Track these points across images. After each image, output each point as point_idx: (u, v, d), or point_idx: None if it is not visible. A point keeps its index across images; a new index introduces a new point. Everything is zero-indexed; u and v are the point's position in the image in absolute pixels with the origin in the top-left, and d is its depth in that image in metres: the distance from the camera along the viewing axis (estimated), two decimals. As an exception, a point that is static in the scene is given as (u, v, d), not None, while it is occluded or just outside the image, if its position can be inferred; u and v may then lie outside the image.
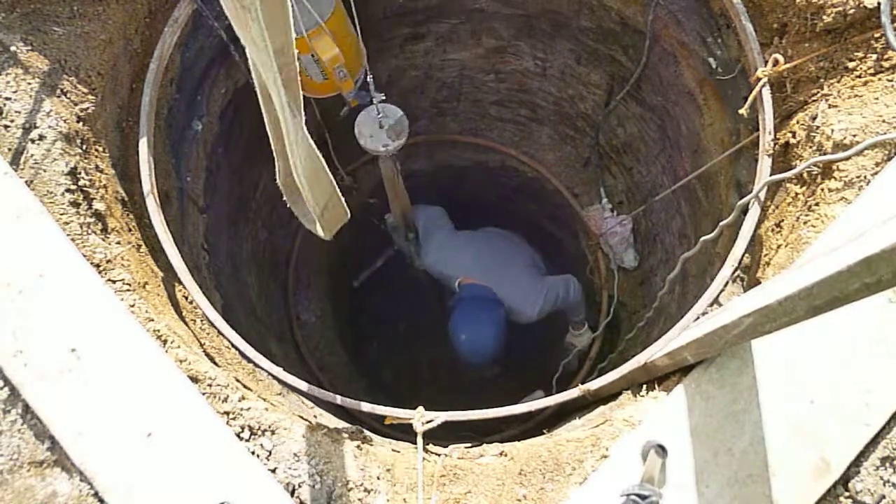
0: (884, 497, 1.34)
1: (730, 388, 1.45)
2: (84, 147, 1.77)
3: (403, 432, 1.84)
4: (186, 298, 1.96)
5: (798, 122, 1.82)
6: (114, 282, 1.60)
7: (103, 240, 1.68)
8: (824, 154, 1.63)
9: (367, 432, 1.83)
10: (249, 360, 1.87)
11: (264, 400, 1.64)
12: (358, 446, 1.54)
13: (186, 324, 1.86)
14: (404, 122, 2.41)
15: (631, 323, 3.18)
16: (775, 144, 1.86)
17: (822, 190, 1.61)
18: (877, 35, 1.64)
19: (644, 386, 1.64)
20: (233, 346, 1.88)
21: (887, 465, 1.36)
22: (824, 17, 1.74)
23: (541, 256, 3.56)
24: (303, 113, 1.16)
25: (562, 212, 3.87)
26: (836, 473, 1.36)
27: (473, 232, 3.37)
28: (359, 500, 1.41)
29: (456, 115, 3.85)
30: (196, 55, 2.35)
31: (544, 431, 1.80)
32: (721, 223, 1.96)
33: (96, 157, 1.83)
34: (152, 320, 1.57)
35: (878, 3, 1.61)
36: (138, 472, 1.35)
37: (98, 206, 1.72)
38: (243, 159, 2.93)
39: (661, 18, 2.44)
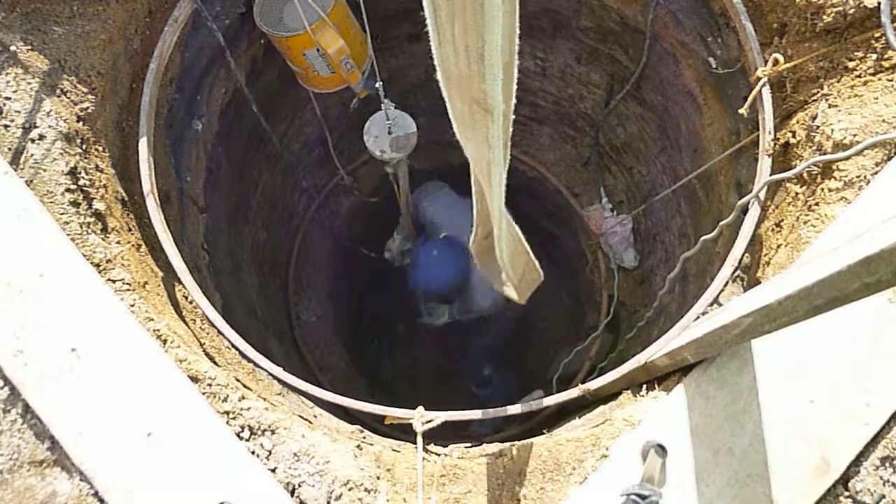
0: (884, 497, 1.34)
1: (730, 388, 1.45)
2: (84, 147, 1.77)
3: (403, 432, 1.84)
4: (186, 298, 1.96)
5: (798, 122, 1.82)
6: (114, 281, 1.60)
7: (103, 239, 1.68)
8: (824, 154, 1.62)
9: (367, 432, 1.83)
10: (249, 360, 1.87)
11: (264, 400, 1.64)
12: (358, 446, 1.54)
13: (186, 324, 1.86)
14: (412, 139, 2.40)
15: (631, 323, 3.17)
16: (775, 144, 1.86)
17: (822, 190, 1.61)
18: (877, 35, 1.64)
19: (644, 386, 1.64)
20: (233, 346, 1.88)
21: (887, 464, 1.36)
22: (824, 16, 1.74)
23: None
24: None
25: (562, 211, 3.87)
26: (836, 473, 1.36)
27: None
28: (359, 499, 1.41)
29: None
30: (196, 55, 2.35)
31: (544, 431, 1.80)
32: (721, 223, 1.96)
33: (96, 156, 1.83)
34: (152, 320, 1.57)
35: (878, 3, 1.61)
36: (138, 472, 1.35)
37: (98, 205, 1.72)
38: (243, 159, 2.94)
39: (661, 18, 2.44)
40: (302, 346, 3.56)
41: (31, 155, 1.64)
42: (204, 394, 1.47)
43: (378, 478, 1.46)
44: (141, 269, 1.78)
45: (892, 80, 1.60)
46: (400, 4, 2.98)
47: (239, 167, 2.90)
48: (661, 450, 1.38)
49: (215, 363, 1.76)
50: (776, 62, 1.82)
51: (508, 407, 1.83)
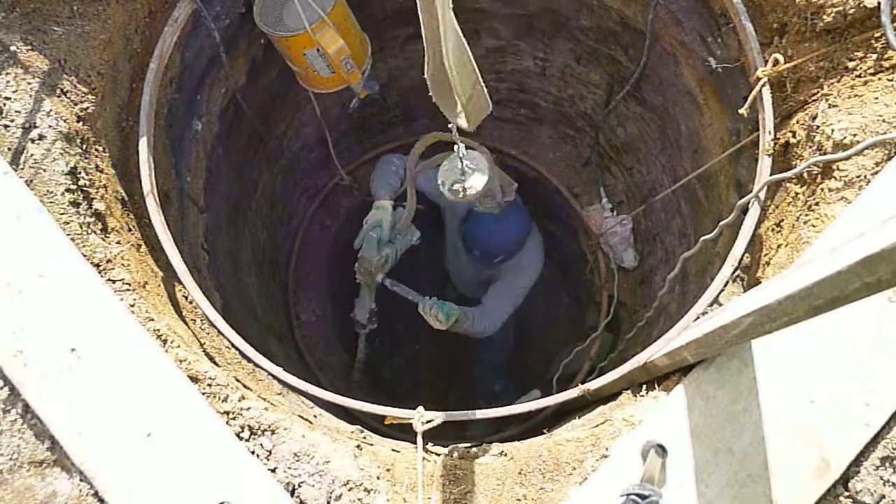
0: (884, 497, 1.34)
1: (730, 388, 1.45)
2: (84, 147, 1.77)
3: (403, 432, 1.84)
4: (186, 298, 1.96)
5: (798, 122, 1.82)
6: (114, 281, 1.60)
7: (103, 240, 1.68)
8: (824, 154, 1.62)
9: (367, 432, 1.84)
10: (249, 360, 1.87)
11: (264, 400, 1.64)
12: (358, 446, 1.54)
13: (186, 324, 1.86)
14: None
15: (631, 323, 3.17)
16: (775, 144, 1.86)
17: (822, 190, 1.61)
18: (877, 35, 1.64)
19: (644, 386, 1.64)
20: (233, 346, 1.88)
21: (887, 464, 1.36)
22: (824, 16, 1.74)
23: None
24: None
25: (562, 211, 3.87)
26: (836, 473, 1.36)
27: None
28: (359, 500, 1.41)
29: (456, 115, 3.84)
30: (196, 55, 2.35)
31: (544, 431, 1.80)
32: (721, 223, 1.96)
33: (96, 156, 1.83)
34: (152, 320, 1.57)
35: (878, 3, 1.61)
36: (138, 472, 1.35)
37: (98, 205, 1.72)
38: (243, 159, 2.94)
39: (661, 18, 2.44)
40: (302, 346, 3.56)
41: (31, 155, 1.64)
42: (204, 394, 1.47)
43: (378, 478, 1.46)
44: (141, 269, 1.78)
45: (892, 80, 1.60)
46: (399, 4, 2.98)
47: (239, 167, 2.90)
48: (661, 450, 1.38)
49: (215, 363, 1.76)
50: (776, 62, 1.82)
51: (508, 407, 1.83)
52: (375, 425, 2.34)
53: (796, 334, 1.44)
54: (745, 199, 1.85)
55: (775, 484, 1.36)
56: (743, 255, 1.83)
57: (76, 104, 1.80)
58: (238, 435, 1.44)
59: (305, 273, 3.82)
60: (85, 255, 1.55)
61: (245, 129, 2.85)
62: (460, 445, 1.67)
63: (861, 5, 1.66)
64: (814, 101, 1.79)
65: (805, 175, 1.72)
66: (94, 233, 1.66)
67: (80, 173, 1.70)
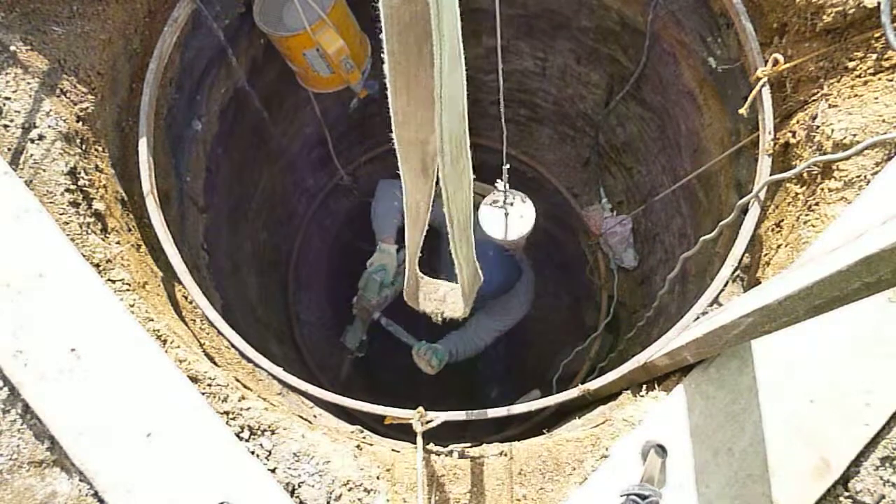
0: (884, 497, 1.34)
1: (730, 388, 1.45)
2: (84, 147, 1.77)
3: (403, 432, 1.84)
4: (186, 298, 1.96)
5: (798, 122, 1.82)
6: (113, 282, 1.60)
7: (103, 240, 1.68)
8: (824, 154, 1.62)
9: (366, 432, 1.83)
10: (249, 360, 1.87)
11: (264, 400, 1.64)
12: (358, 446, 1.54)
13: (186, 324, 1.86)
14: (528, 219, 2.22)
15: (631, 323, 3.17)
16: (775, 144, 1.86)
17: (822, 190, 1.61)
18: (877, 35, 1.64)
19: (644, 386, 1.64)
20: (233, 346, 1.88)
21: (887, 465, 1.36)
22: (824, 16, 1.74)
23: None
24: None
25: (561, 211, 3.87)
26: (836, 473, 1.36)
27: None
28: (358, 500, 1.41)
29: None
30: (196, 55, 2.35)
31: (544, 431, 1.80)
32: (721, 223, 1.96)
33: (96, 156, 1.83)
34: (152, 320, 1.56)
35: (878, 3, 1.61)
36: (138, 472, 1.35)
37: (98, 205, 1.72)
38: (243, 159, 2.93)
39: (661, 18, 2.44)
40: (301, 346, 3.56)
41: (31, 155, 1.64)
42: (204, 394, 1.47)
43: (378, 478, 1.46)
44: (141, 270, 1.78)
45: (892, 80, 1.60)
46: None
47: (239, 167, 2.90)
48: (661, 450, 1.38)
49: (215, 363, 1.76)
50: (776, 62, 1.82)
51: (508, 407, 1.83)
52: (375, 425, 2.34)
53: (796, 334, 1.44)
54: (745, 199, 1.85)
55: (775, 484, 1.36)
56: (743, 255, 1.82)
57: (76, 104, 1.80)
58: (238, 435, 1.43)
59: (305, 273, 3.82)
60: (85, 255, 1.55)
61: (245, 129, 2.84)
62: (460, 445, 1.67)
63: (861, 5, 1.66)
64: (814, 101, 1.79)
65: (805, 175, 1.72)
66: (94, 233, 1.66)
67: (79, 173, 1.70)
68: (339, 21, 2.33)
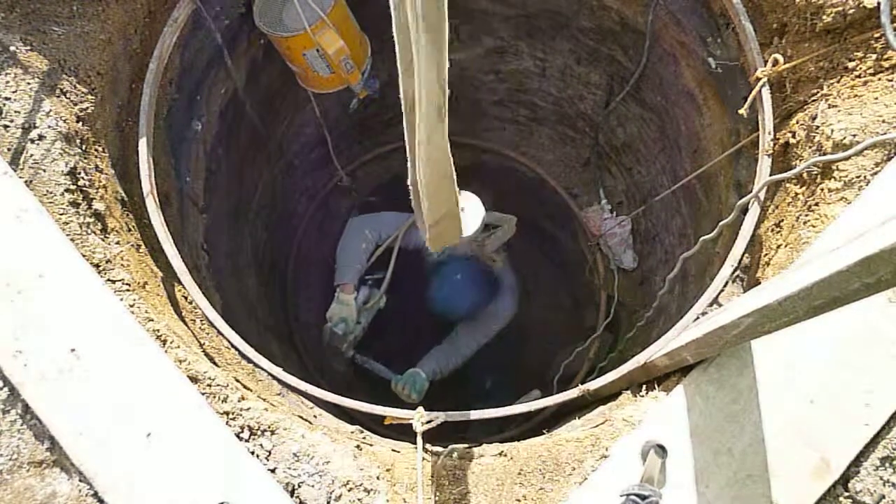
0: (884, 497, 1.34)
1: (729, 388, 1.45)
2: (84, 147, 1.77)
3: (403, 433, 1.84)
4: (186, 298, 1.96)
5: (798, 122, 1.82)
6: (113, 282, 1.60)
7: (103, 240, 1.68)
8: (824, 154, 1.63)
9: (366, 432, 1.83)
10: (249, 360, 1.87)
11: (264, 400, 1.64)
12: (357, 446, 1.54)
13: (186, 324, 1.86)
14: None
15: (631, 323, 3.18)
16: (775, 144, 1.86)
17: (822, 190, 1.61)
18: (876, 35, 1.64)
19: (644, 386, 1.64)
20: (233, 346, 1.87)
21: (887, 465, 1.36)
22: (824, 17, 1.74)
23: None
24: (445, 119, 1.16)
25: (561, 212, 3.87)
26: (836, 473, 1.36)
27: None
28: (358, 500, 1.41)
29: (455, 116, 3.85)
30: (195, 55, 2.35)
31: (544, 431, 1.80)
32: (721, 223, 1.96)
33: (96, 157, 1.83)
34: (152, 320, 1.56)
35: (878, 3, 1.61)
36: (138, 472, 1.35)
37: (98, 206, 1.72)
38: (243, 159, 2.93)
39: (661, 18, 2.44)
40: (301, 346, 3.56)
41: (31, 155, 1.64)
42: (204, 394, 1.47)
43: (378, 478, 1.46)
44: (141, 270, 1.78)
45: (891, 80, 1.60)
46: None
47: (239, 167, 2.90)
48: (661, 450, 1.38)
49: (215, 363, 1.76)
50: (776, 62, 1.82)
51: (508, 407, 1.83)
52: (375, 426, 2.34)
53: (796, 334, 1.44)
54: (744, 200, 1.85)
55: (775, 484, 1.36)
56: (743, 256, 1.83)
57: (76, 104, 1.80)
58: (238, 435, 1.43)
59: (305, 273, 3.82)
60: (84, 256, 1.55)
61: (245, 129, 2.84)
62: (460, 445, 1.67)
63: (861, 5, 1.66)
64: (813, 101, 1.79)
65: (805, 175, 1.72)
66: (94, 233, 1.66)
67: (79, 173, 1.70)
68: (339, 21, 2.33)
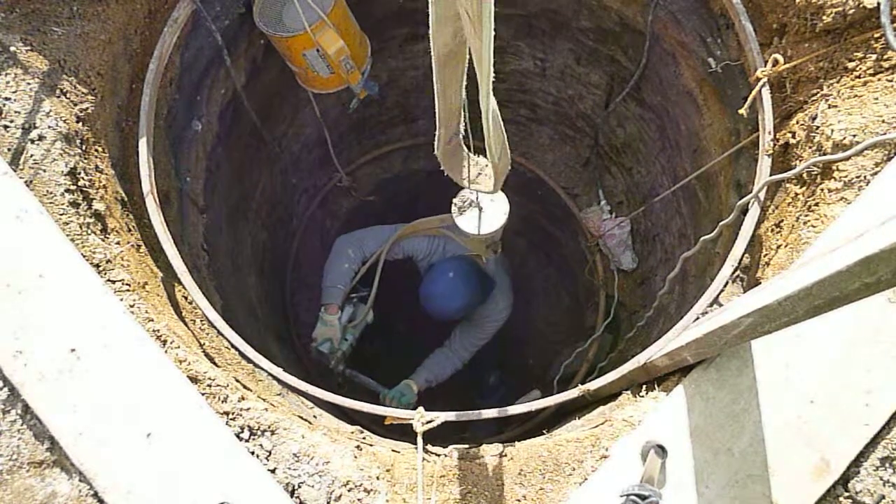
0: (884, 497, 1.34)
1: (730, 388, 1.45)
2: (84, 147, 1.77)
3: (403, 433, 1.84)
4: (186, 298, 1.96)
5: (798, 123, 1.82)
6: (113, 282, 1.60)
7: (103, 240, 1.68)
8: (824, 154, 1.63)
9: (366, 432, 1.83)
10: (249, 361, 1.87)
11: (264, 400, 1.64)
12: (358, 446, 1.54)
13: (186, 324, 1.86)
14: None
15: (631, 323, 3.18)
16: (775, 144, 1.86)
17: (822, 190, 1.61)
18: (876, 35, 1.64)
19: (644, 386, 1.64)
20: (233, 346, 1.88)
21: (887, 465, 1.36)
22: (824, 17, 1.74)
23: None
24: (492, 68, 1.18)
25: (560, 212, 3.87)
26: (836, 473, 1.36)
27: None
28: (358, 500, 1.41)
29: (456, 115, 3.85)
30: (195, 56, 2.35)
31: (544, 431, 1.80)
32: (721, 223, 1.96)
33: (96, 157, 1.83)
34: (152, 320, 1.56)
35: (878, 3, 1.61)
36: (138, 472, 1.35)
37: (98, 206, 1.72)
38: (243, 159, 2.94)
39: (661, 18, 2.44)
40: (300, 347, 3.56)
41: (31, 155, 1.64)
42: (204, 394, 1.47)
43: (377, 478, 1.46)
44: (141, 270, 1.78)
45: (891, 80, 1.60)
46: (398, 4, 2.98)
47: (238, 167, 2.90)
48: (661, 450, 1.38)
49: (215, 363, 1.76)
50: (776, 62, 1.82)
51: (508, 407, 1.83)
52: (374, 427, 2.34)
53: (796, 334, 1.44)
54: (744, 200, 1.85)
55: (775, 484, 1.36)
56: (743, 256, 1.83)
57: (76, 105, 1.80)
58: (238, 435, 1.44)
59: (305, 273, 3.82)
60: (85, 256, 1.55)
61: (245, 130, 2.85)
62: (460, 446, 1.67)
63: (861, 5, 1.66)
64: (813, 101, 1.79)
65: (805, 175, 1.72)
66: (94, 233, 1.66)
67: (79, 174, 1.70)
68: (339, 21, 2.33)
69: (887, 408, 1.39)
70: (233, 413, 1.47)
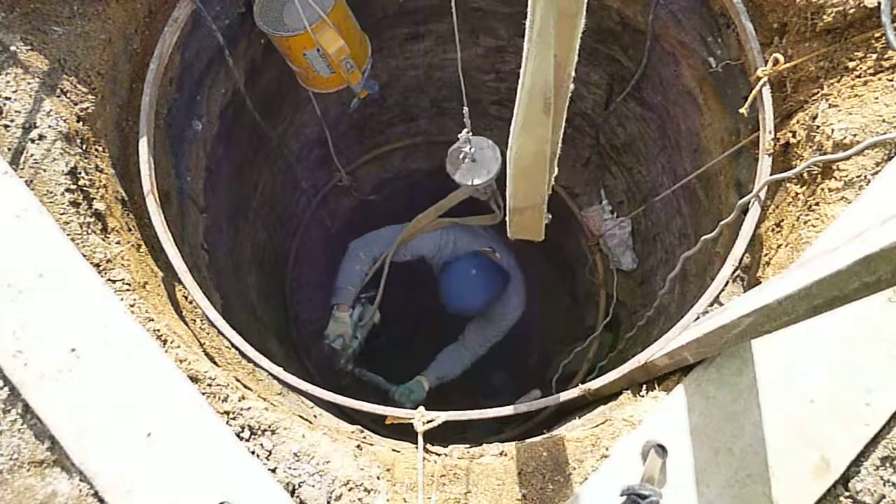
0: (884, 497, 1.34)
1: (730, 388, 1.45)
2: (84, 147, 1.77)
3: (404, 432, 1.84)
4: (186, 298, 1.96)
5: (798, 122, 1.82)
6: (114, 281, 1.60)
7: (103, 239, 1.68)
8: (824, 154, 1.62)
9: (367, 432, 1.83)
10: (249, 360, 1.87)
11: (264, 400, 1.64)
12: (358, 446, 1.54)
13: (186, 324, 1.86)
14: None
15: (631, 322, 3.18)
16: (775, 144, 1.86)
17: (823, 190, 1.61)
18: (877, 35, 1.64)
19: (644, 386, 1.64)
20: (233, 345, 1.88)
21: (887, 464, 1.36)
22: (824, 16, 1.74)
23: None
24: (550, 112, 1.14)
25: (561, 211, 3.87)
26: (836, 473, 1.36)
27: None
28: (359, 500, 1.41)
29: (456, 115, 3.85)
30: (196, 55, 2.35)
31: (544, 431, 1.80)
32: (721, 223, 1.96)
33: (96, 156, 1.83)
34: (152, 320, 1.56)
35: (878, 3, 1.61)
36: (138, 472, 1.35)
37: (98, 205, 1.72)
38: (243, 159, 2.94)
39: (661, 18, 2.44)
40: (301, 346, 3.56)
41: (31, 155, 1.64)
42: (204, 394, 1.47)
43: (378, 478, 1.46)
44: (141, 269, 1.78)
45: (892, 80, 1.60)
46: (399, 4, 2.98)
47: (239, 167, 2.90)
48: (661, 450, 1.38)
49: (215, 363, 1.76)
50: (776, 62, 1.82)
51: (508, 407, 1.83)
52: (375, 426, 2.34)
53: (796, 334, 1.44)
54: (745, 199, 1.85)
55: (775, 484, 1.36)
56: (743, 255, 1.83)
57: (76, 104, 1.80)
58: (238, 435, 1.44)
59: (305, 273, 3.82)
60: (85, 255, 1.55)
61: (245, 130, 2.85)
62: (460, 445, 1.67)
63: (861, 5, 1.66)
64: (814, 101, 1.79)
65: (805, 175, 1.72)
66: (94, 233, 1.66)
67: (80, 173, 1.70)
68: (339, 21, 2.33)
69: (888, 407, 1.39)
70: (233, 412, 1.47)
